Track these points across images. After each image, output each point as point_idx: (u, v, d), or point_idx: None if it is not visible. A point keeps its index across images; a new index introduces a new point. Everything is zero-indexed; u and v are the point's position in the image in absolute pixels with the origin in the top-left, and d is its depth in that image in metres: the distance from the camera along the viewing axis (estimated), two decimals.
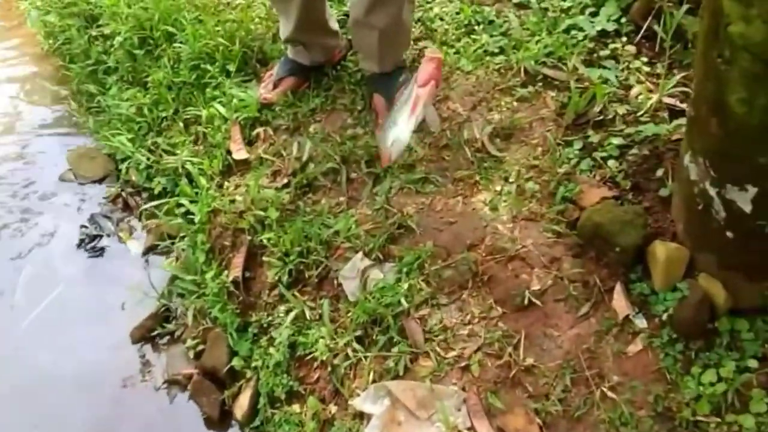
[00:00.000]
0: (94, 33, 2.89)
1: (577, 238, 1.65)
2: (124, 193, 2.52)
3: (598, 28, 2.16)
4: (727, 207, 1.41)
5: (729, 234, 1.44)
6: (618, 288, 1.55)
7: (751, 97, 1.25)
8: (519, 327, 1.56)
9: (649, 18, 2.16)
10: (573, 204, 1.71)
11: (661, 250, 1.52)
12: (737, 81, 1.25)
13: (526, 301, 1.58)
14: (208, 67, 2.40)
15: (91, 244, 2.38)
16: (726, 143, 1.35)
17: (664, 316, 1.49)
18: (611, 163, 1.78)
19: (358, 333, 1.63)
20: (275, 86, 2.19)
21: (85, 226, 2.43)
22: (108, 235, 2.40)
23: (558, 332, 1.53)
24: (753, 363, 1.42)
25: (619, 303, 1.54)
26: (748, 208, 1.37)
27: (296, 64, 2.18)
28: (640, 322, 1.51)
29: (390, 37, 1.94)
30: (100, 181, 2.61)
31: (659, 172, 1.71)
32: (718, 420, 1.36)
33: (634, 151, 1.79)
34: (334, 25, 2.18)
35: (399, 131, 1.69)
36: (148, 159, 2.41)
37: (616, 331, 1.51)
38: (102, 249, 2.36)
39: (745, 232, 1.42)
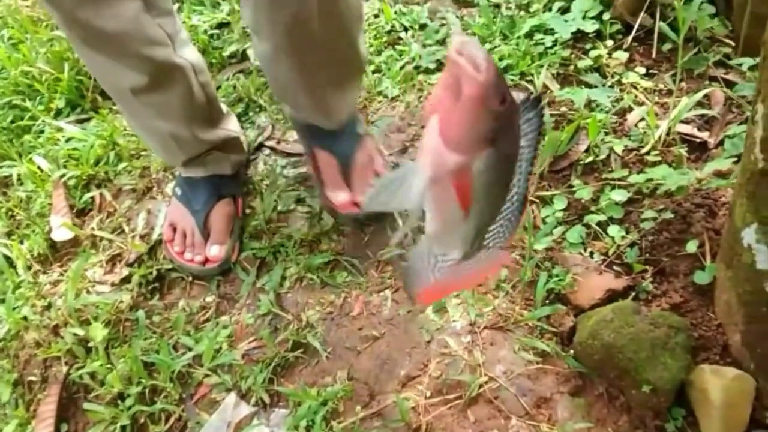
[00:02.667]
0: None
1: (576, 362, 1.11)
2: None
3: (573, 28, 1.65)
4: None
5: None
6: None
7: None
8: None
9: (642, 12, 1.67)
10: (564, 304, 1.17)
11: (713, 383, 0.99)
12: None
13: None
14: (27, 104, 1.80)
15: None
16: None
17: None
18: (613, 231, 1.25)
19: None
20: (207, 233, 1.41)
21: None
22: None
23: None
24: None
25: None
26: None
27: (214, 180, 1.46)
28: None
29: (340, 76, 1.34)
30: None
31: (691, 246, 1.18)
32: None
33: (648, 212, 1.26)
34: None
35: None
36: None
37: None
38: None
39: None
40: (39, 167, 1.68)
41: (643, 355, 1.00)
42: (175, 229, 1.42)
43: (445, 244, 0.70)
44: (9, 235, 1.67)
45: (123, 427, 1.22)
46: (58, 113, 1.80)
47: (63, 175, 1.63)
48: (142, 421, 1.23)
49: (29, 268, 1.58)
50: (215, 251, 1.39)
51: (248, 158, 1.58)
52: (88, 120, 1.77)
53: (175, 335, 1.30)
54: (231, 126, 1.50)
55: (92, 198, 1.60)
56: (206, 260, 1.39)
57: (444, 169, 0.59)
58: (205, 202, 1.42)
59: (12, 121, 1.82)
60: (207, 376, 1.23)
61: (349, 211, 1.36)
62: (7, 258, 1.58)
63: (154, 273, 1.41)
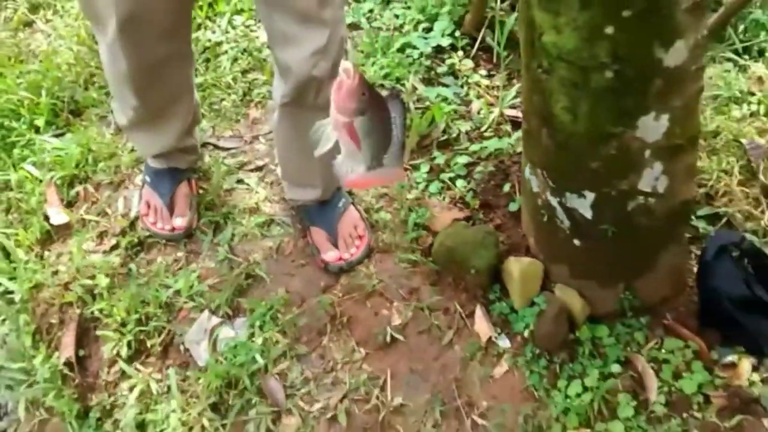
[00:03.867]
0: None
1: (433, 265, 1.75)
2: None
3: (433, 44, 2.32)
4: (569, 215, 1.56)
5: (576, 242, 1.59)
6: (478, 311, 1.67)
7: (573, 105, 1.40)
8: (384, 366, 1.64)
9: (483, 29, 2.34)
10: (426, 230, 1.82)
11: (514, 266, 1.65)
12: (559, 90, 1.40)
13: (388, 338, 1.66)
14: (14, 124, 2.34)
15: None
16: (558, 153, 1.50)
17: (526, 333, 1.62)
18: (459, 183, 1.91)
19: (212, 400, 1.64)
20: (171, 209, 1.97)
21: None
22: None
23: (423, 366, 1.62)
24: (616, 368, 1.57)
25: (481, 326, 1.65)
26: (589, 214, 1.53)
27: (174, 171, 2.00)
28: (504, 343, 1.63)
29: (332, 153, 1.82)
30: None
31: (507, 188, 1.86)
32: (588, 431, 1.49)
33: (480, 168, 1.93)
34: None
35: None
36: None
37: (480, 356, 1.62)
38: None
39: (591, 238, 1.57)
40: (30, 173, 2.22)
41: (469, 249, 1.65)
42: (149, 206, 1.99)
43: (350, 163, 1.29)
44: (8, 227, 2.21)
45: (128, 343, 1.79)
46: (38, 130, 2.34)
47: (53, 177, 2.18)
48: (141, 338, 1.81)
49: (31, 250, 2.12)
50: (179, 222, 1.96)
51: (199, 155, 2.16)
52: (63, 134, 2.33)
53: (157, 280, 1.88)
54: (197, 136, 2.06)
55: (77, 192, 2.16)
56: (173, 228, 1.96)
57: (338, 124, 1.20)
58: (169, 187, 1.99)
59: (1, 138, 2.36)
60: (185, 302, 1.82)
61: (337, 264, 1.83)
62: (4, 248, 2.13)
63: (135, 240, 1.98)
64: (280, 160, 1.96)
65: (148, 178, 2.02)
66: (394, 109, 1.26)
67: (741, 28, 2.48)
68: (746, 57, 2.39)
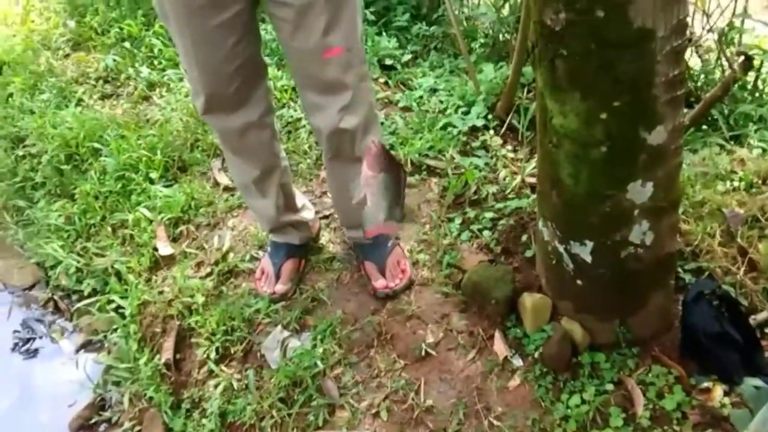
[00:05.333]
0: (20, 152, 3.05)
1: (462, 296, 1.92)
2: (55, 297, 2.63)
3: (470, 124, 2.53)
4: (573, 260, 1.71)
5: (579, 282, 1.73)
6: (497, 335, 1.82)
7: (576, 172, 1.56)
8: (419, 375, 1.79)
9: (511, 113, 2.55)
10: (457, 269, 2.00)
11: (528, 300, 1.80)
12: (565, 160, 1.57)
13: (423, 353, 1.83)
14: (133, 176, 2.61)
15: (24, 346, 2.46)
16: (565, 209, 1.65)
17: (536, 354, 1.76)
18: (486, 233, 2.09)
19: (281, 395, 1.81)
20: (278, 277, 2.08)
21: (18, 331, 2.51)
22: (41, 337, 2.49)
23: (451, 376, 1.77)
24: (610, 386, 1.69)
25: (499, 347, 1.80)
26: (589, 259, 1.67)
27: (288, 246, 2.11)
28: (517, 361, 1.77)
29: None
30: (30, 288, 2.71)
31: (524, 238, 2.03)
32: None
33: (503, 222, 2.11)
34: (303, 198, 2.24)
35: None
36: (78, 262, 2.54)
37: (498, 371, 1.76)
38: (36, 350, 2.44)
39: (590, 279, 1.71)
40: (143, 214, 2.47)
41: (491, 284, 1.82)
42: (262, 272, 2.13)
43: (373, 213, 1.49)
44: (122, 257, 2.45)
45: (216, 348, 1.98)
46: (152, 181, 2.61)
47: (162, 218, 2.42)
48: (226, 345, 2.00)
49: (140, 275, 2.35)
50: (279, 288, 2.05)
51: (315, 235, 2.23)
52: (172, 185, 2.58)
53: (242, 300, 2.08)
54: (304, 214, 2.12)
55: (181, 231, 2.40)
56: (274, 292, 2.05)
57: (367, 180, 1.38)
58: (280, 258, 2.08)
59: (122, 187, 2.63)
60: (263, 318, 2.01)
61: (384, 291, 1.98)
62: (119, 272, 2.36)
63: (226, 269, 2.20)
64: (335, 207, 2.15)
65: (268, 248, 2.14)
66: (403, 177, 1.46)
67: (731, 119, 2.61)
68: (732, 143, 2.52)
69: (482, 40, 3.09)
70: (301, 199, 2.17)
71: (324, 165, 1.97)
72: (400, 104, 2.77)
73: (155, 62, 3.32)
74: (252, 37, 1.68)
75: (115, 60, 3.37)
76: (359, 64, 1.69)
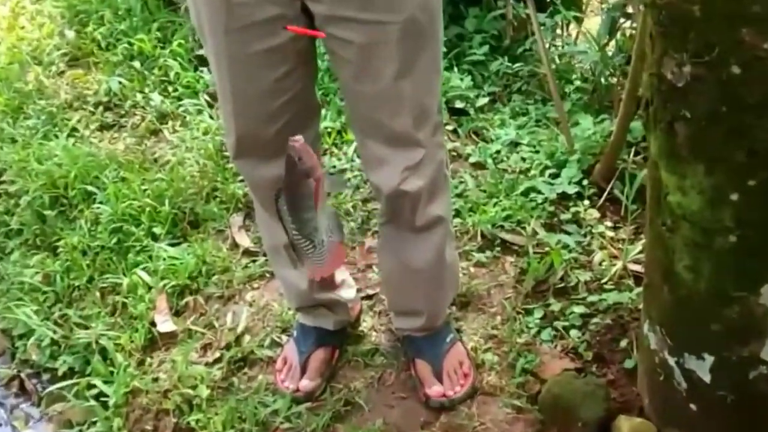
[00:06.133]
0: None
1: (539, 413, 1.94)
2: (21, 374, 2.70)
3: (559, 190, 2.58)
4: (687, 377, 1.71)
5: (692, 406, 1.73)
6: None
7: (695, 265, 1.58)
8: None
9: (613, 180, 2.59)
10: (534, 376, 2.02)
11: (625, 425, 1.81)
12: (682, 249, 1.59)
13: None
14: (132, 229, 2.71)
15: None
16: (679, 310, 1.67)
17: None
18: (573, 333, 2.11)
19: None
20: (304, 371, 2.10)
21: None
22: (0, 425, 2.57)
23: None
24: None
25: None
26: (707, 378, 1.67)
27: (319, 331, 2.15)
28: None
29: (435, 278, 2.00)
30: None
31: (623, 343, 2.05)
32: None
33: (596, 320, 2.14)
34: (343, 271, 2.27)
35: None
36: (55, 333, 2.62)
37: None
38: None
39: (708, 403, 1.71)
40: (141, 279, 2.56)
41: (578, 399, 1.83)
42: (285, 362, 2.16)
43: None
44: (110, 330, 2.53)
45: None
46: (155, 237, 2.71)
47: (165, 284, 2.51)
48: None
49: (132, 355, 2.43)
50: (305, 385, 2.07)
51: (354, 320, 2.27)
52: (180, 244, 2.68)
53: (257, 397, 2.12)
54: (343, 292, 2.15)
55: (187, 303, 2.48)
56: (298, 389, 2.07)
57: None
58: (308, 347, 2.11)
59: (117, 243, 2.74)
60: (282, 423, 2.05)
61: (439, 400, 1.99)
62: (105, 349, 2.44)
63: (239, 355, 2.26)
64: (384, 285, 2.20)
65: (294, 332, 2.19)
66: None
67: None
68: None
69: (579, 84, 3.17)
70: (340, 273, 2.21)
71: (378, 231, 2.04)
72: (472, 159, 2.84)
73: (169, 88, 3.48)
74: (305, 71, 1.73)
75: (120, 83, 3.53)
76: (434, 114, 1.76)
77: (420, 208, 1.82)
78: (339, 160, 2.90)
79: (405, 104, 1.68)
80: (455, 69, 3.24)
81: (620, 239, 2.42)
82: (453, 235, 2.09)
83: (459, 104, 3.10)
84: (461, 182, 2.71)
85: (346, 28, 1.59)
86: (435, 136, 1.79)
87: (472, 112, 3.09)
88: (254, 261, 2.56)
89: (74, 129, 3.39)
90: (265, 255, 2.51)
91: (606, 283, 2.26)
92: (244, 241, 2.67)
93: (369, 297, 2.37)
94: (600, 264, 2.33)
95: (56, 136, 3.32)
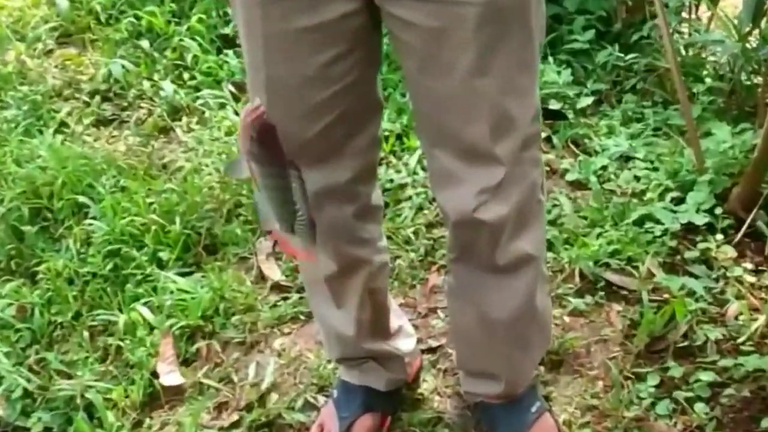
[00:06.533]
0: None
1: None
2: None
3: (683, 220, 2.58)
4: None
5: None
6: None
7: None
8: None
9: (755, 209, 2.57)
10: None
11: None
12: None
13: None
14: (133, 253, 2.76)
15: None
16: None
17: None
18: (699, 407, 2.10)
19: None
20: None
21: None
22: None
23: None
24: None
25: None
26: None
27: (367, 392, 2.16)
28: None
29: (519, 332, 1.97)
30: None
31: (765, 423, 2.03)
32: None
33: (730, 391, 2.12)
34: (401, 316, 2.30)
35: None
36: (29, 382, 2.66)
37: None
38: None
39: None
40: (143, 316, 2.60)
41: None
42: (321, 430, 2.17)
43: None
44: (99, 381, 2.57)
45: None
46: (161, 264, 2.76)
47: (171, 325, 2.55)
48: None
49: (127, 413, 2.47)
50: None
51: (412, 379, 2.29)
52: (192, 273, 2.72)
53: None
54: (399, 343, 2.18)
55: (198, 349, 2.51)
56: None
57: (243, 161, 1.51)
58: (352, 411, 2.11)
59: (113, 269, 2.78)
60: None
61: None
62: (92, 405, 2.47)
63: (263, 419, 2.28)
64: (453, 337, 2.20)
65: (334, 392, 2.20)
66: (294, 180, 1.53)
67: None
68: None
69: (712, 83, 3.16)
70: (397, 319, 2.23)
71: (446, 267, 2.04)
72: (570, 176, 2.86)
73: (185, 75, 3.55)
74: (362, 56, 1.71)
75: (123, 66, 3.60)
76: (524, 123, 1.71)
77: (502, 243, 1.79)
78: (398, 172, 2.93)
79: (481, 108, 1.64)
80: (550, 60, 3.26)
81: (763, 286, 2.40)
82: (546, 277, 2.05)
83: (554, 105, 3.11)
84: (555, 205, 2.71)
85: (410, 6, 1.56)
86: (525, 151, 1.74)
87: (570, 115, 3.10)
88: (286, 298, 2.60)
89: (63, 123, 3.47)
90: (300, 291, 2.57)
91: (743, 343, 2.24)
92: (274, 272, 2.70)
93: (432, 350, 2.39)
94: (736, 318, 2.32)
95: (40, 132, 3.40)
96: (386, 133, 3.02)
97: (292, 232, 1.62)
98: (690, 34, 3.39)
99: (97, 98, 3.58)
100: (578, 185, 2.82)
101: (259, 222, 1.70)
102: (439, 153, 1.73)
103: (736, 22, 3.02)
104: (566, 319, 2.40)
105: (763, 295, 2.38)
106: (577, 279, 2.50)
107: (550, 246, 2.56)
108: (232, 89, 3.37)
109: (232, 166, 1.67)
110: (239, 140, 1.51)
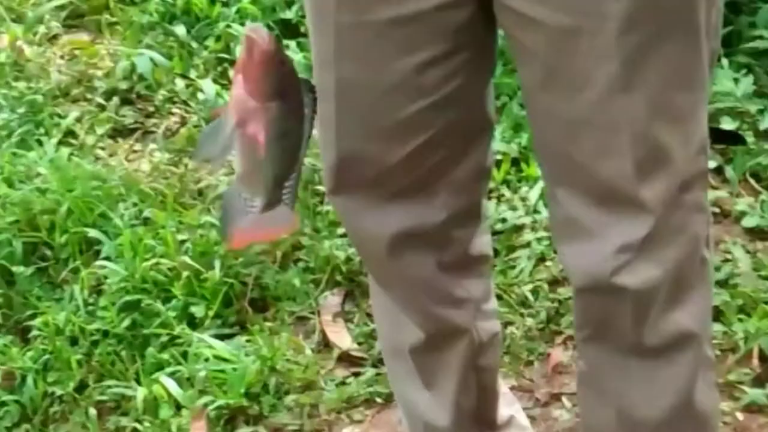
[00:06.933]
0: None
1: None
2: None
3: None
4: None
5: None
6: None
7: None
8: None
9: None
10: None
11: None
12: None
13: None
14: (157, 306, 2.72)
15: None
16: None
17: None
18: None
19: None
20: None
21: None
22: None
23: None
24: None
25: None
26: None
27: None
28: None
29: None
30: None
31: None
32: None
33: None
34: (512, 402, 2.30)
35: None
36: None
37: None
38: None
39: None
40: (168, 391, 2.56)
41: None
42: None
43: (249, 186, 1.44)
44: None
45: None
46: (194, 323, 2.71)
47: (206, 404, 2.50)
48: None
49: None
50: None
51: None
52: (234, 336, 2.68)
53: None
54: None
55: None
56: None
57: (245, 113, 1.34)
58: None
59: (130, 327, 2.75)
60: None
61: None
62: None
63: None
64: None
65: None
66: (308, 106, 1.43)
67: None
68: None
69: None
70: (507, 407, 2.20)
71: (576, 346, 1.99)
72: (748, 222, 2.78)
73: (231, 73, 3.51)
74: (468, 60, 1.68)
75: (151, 59, 3.61)
76: (687, 158, 1.64)
77: (652, 317, 1.72)
78: (513, 209, 2.87)
79: (624, 136, 1.58)
80: (724, 63, 3.20)
81: None
82: (711, 361, 1.93)
83: (728, 125, 3.02)
84: (726, 261, 2.63)
85: (534, 1, 1.51)
86: (685, 193, 1.66)
87: (750, 138, 3.01)
88: (357, 374, 2.56)
89: (70, 132, 3.48)
90: (377, 364, 2.52)
91: None
92: (343, 338, 2.67)
93: None
94: None
95: (40, 143, 3.41)
96: (498, 157, 2.95)
97: (279, 200, 1.49)
98: None
99: (115, 100, 3.58)
100: (759, 233, 2.73)
101: (223, 223, 1.60)
102: (564, 194, 1.69)
103: None
104: (739, 416, 2.32)
105: None
106: (755, 361, 2.41)
107: (718, 316, 2.47)
108: None
109: (207, 142, 1.51)
110: (254, 82, 1.43)
